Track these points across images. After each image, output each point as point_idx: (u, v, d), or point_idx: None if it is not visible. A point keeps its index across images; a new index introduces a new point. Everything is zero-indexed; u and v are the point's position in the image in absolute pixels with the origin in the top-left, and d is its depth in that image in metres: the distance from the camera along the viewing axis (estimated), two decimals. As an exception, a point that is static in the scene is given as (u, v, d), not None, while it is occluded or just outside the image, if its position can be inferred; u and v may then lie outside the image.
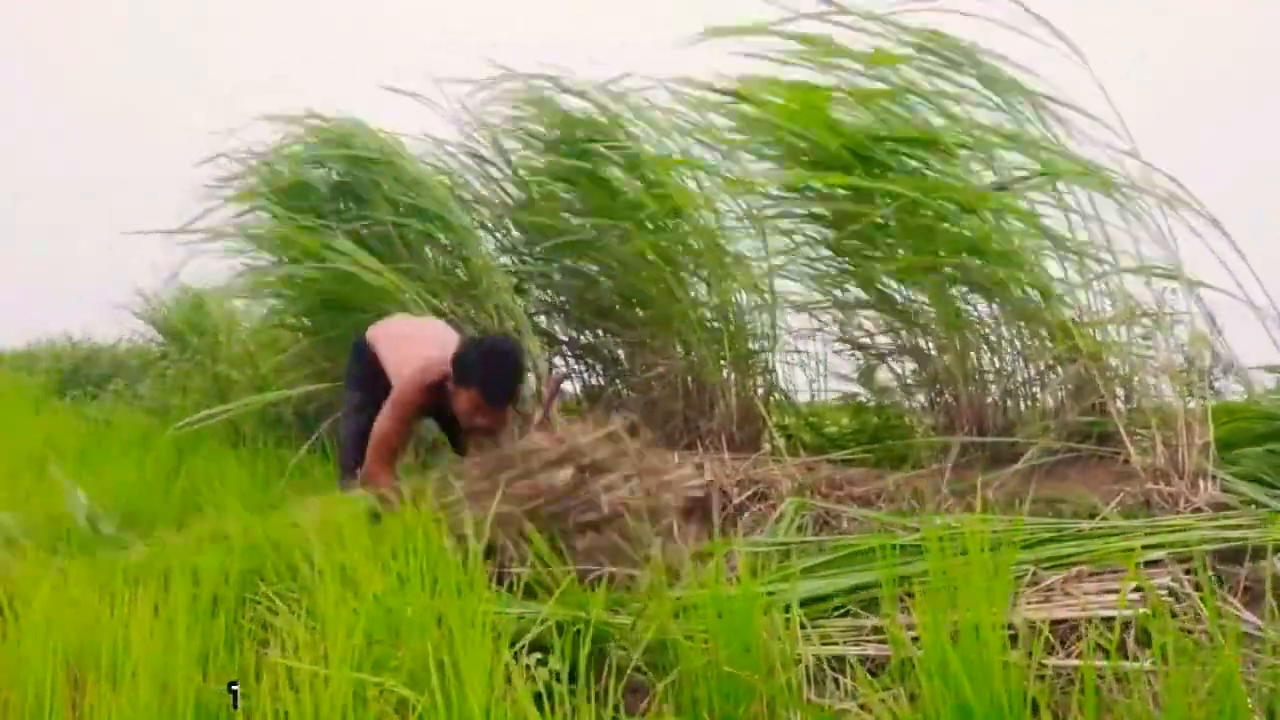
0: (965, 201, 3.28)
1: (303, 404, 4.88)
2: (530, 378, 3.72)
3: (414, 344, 3.22)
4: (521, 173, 4.85)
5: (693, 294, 4.24)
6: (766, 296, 4.03)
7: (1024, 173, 3.25)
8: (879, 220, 3.51)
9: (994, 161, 3.30)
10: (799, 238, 4.02)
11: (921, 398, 3.94)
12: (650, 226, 4.25)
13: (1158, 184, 2.93)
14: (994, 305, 3.58)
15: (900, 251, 3.61)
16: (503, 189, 4.98)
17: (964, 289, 3.63)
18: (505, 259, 4.94)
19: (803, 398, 4.29)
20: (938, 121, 3.40)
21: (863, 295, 4.00)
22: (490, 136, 4.90)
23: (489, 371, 2.91)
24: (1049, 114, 3.21)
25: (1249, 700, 1.38)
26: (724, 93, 3.64)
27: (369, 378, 3.25)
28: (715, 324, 4.15)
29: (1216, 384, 3.16)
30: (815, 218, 3.86)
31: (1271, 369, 3.19)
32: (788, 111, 3.47)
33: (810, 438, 4.06)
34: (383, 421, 2.97)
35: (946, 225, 3.41)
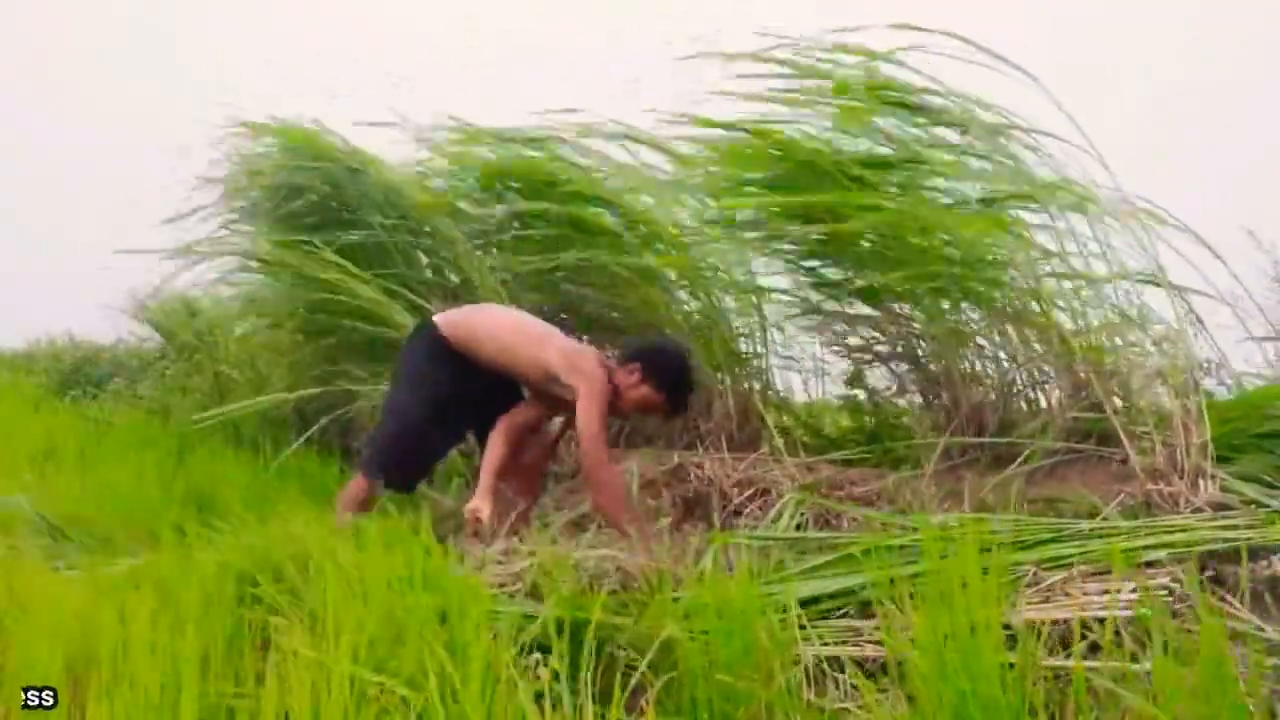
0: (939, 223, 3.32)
1: (304, 403, 4.87)
2: None
3: (540, 338, 3.05)
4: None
5: (680, 296, 4.25)
6: (753, 301, 4.05)
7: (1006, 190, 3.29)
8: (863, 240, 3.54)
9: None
10: (784, 258, 4.03)
11: (919, 399, 3.94)
12: (628, 251, 4.21)
13: (1134, 204, 3.00)
14: (983, 312, 3.60)
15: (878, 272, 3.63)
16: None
17: (955, 300, 3.64)
18: (494, 264, 4.91)
19: (799, 399, 4.30)
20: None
21: (851, 307, 4.02)
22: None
23: (682, 385, 3.01)
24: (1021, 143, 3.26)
25: (1248, 700, 1.38)
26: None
27: (450, 373, 3.02)
28: (705, 327, 4.15)
29: (1202, 385, 3.16)
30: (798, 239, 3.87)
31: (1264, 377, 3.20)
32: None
33: (810, 438, 4.06)
34: (591, 426, 2.80)
35: (928, 242, 3.43)
